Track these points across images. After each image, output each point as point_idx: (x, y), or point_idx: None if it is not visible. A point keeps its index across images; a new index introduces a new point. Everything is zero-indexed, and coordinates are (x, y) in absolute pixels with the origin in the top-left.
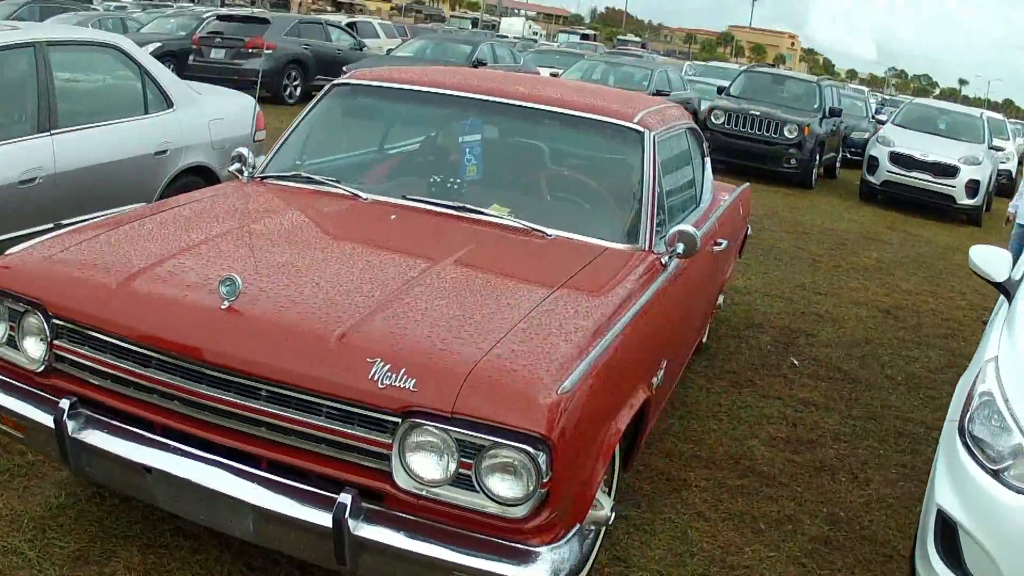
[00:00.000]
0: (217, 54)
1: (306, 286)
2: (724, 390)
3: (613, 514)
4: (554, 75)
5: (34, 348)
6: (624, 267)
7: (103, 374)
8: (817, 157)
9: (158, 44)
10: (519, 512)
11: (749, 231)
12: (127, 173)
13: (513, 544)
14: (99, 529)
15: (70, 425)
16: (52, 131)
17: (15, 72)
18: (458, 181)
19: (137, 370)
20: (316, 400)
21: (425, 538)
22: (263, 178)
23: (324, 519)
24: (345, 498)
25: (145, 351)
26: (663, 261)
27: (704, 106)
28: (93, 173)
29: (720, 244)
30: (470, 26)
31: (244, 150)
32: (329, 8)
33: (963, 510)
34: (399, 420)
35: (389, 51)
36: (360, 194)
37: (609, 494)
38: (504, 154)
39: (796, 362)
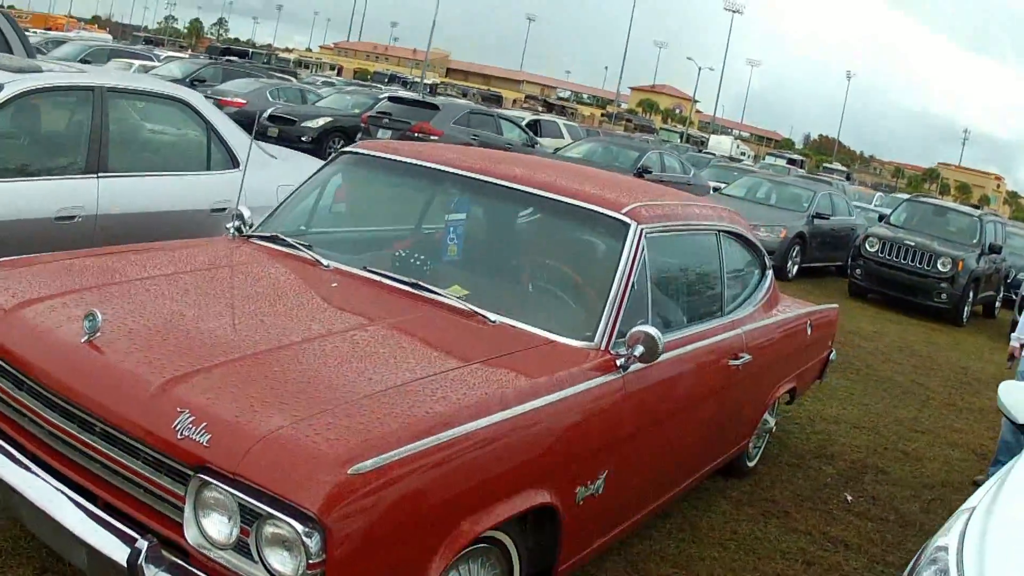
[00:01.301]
0: (383, 134)
1: (175, 333)
2: (749, 518)
3: None
4: (716, 189)
5: None
6: (557, 362)
7: None
8: (971, 294)
9: (328, 119)
10: None
11: (832, 355)
12: (178, 226)
13: None
14: (8, 545)
15: None
16: (100, 174)
17: (70, 112)
18: (421, 258)
19: (12, 392)
20: (133, 443)
21: None
22: (248, 237)
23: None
24: (142, 544)
25: (17, 374)
26: (618, 363)
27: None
28: (138, 220)
29: (740, 358)
30: (678, 140)
31: (244, 209)
32: (540, 108)
33: None
34: (191, 474)
35: (556, 150)
36: (322, 260)
37: None
38: (485, 235)
39: (850, 498)
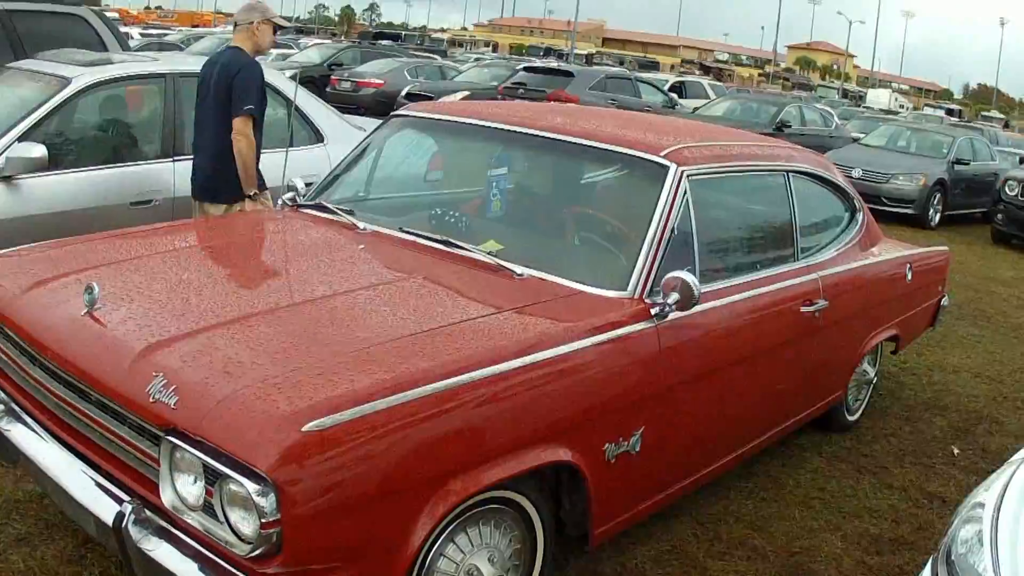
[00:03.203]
0: None
1: (175, 301)
2: (841, 475)
3: None
4: (855, 139)
5: None
6: (581, 311)
7: (14, 369)
8: None
9: (466, 93)
10: (241, 551)
11: (945, 301)
12: None
13: None
14: (56, 519)
15: None
16: (175, 157)
17: (144, 100)
18: (457, 215)
19: (28, 368)
20: (117, 409)
21: (194, 562)
22: (298, 207)
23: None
24: (126, 508)
25: (31, 350)
26: (652, 312)
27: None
28: None
29: (814, 304)
30: (836, 96)
31: (297, 180)
32: (697, 71)
33: None
34: (162, 436)
35: (695, 109)
36: (359, 224)
37: (532, 567)
38: (525, 189)
39: (956, 451)
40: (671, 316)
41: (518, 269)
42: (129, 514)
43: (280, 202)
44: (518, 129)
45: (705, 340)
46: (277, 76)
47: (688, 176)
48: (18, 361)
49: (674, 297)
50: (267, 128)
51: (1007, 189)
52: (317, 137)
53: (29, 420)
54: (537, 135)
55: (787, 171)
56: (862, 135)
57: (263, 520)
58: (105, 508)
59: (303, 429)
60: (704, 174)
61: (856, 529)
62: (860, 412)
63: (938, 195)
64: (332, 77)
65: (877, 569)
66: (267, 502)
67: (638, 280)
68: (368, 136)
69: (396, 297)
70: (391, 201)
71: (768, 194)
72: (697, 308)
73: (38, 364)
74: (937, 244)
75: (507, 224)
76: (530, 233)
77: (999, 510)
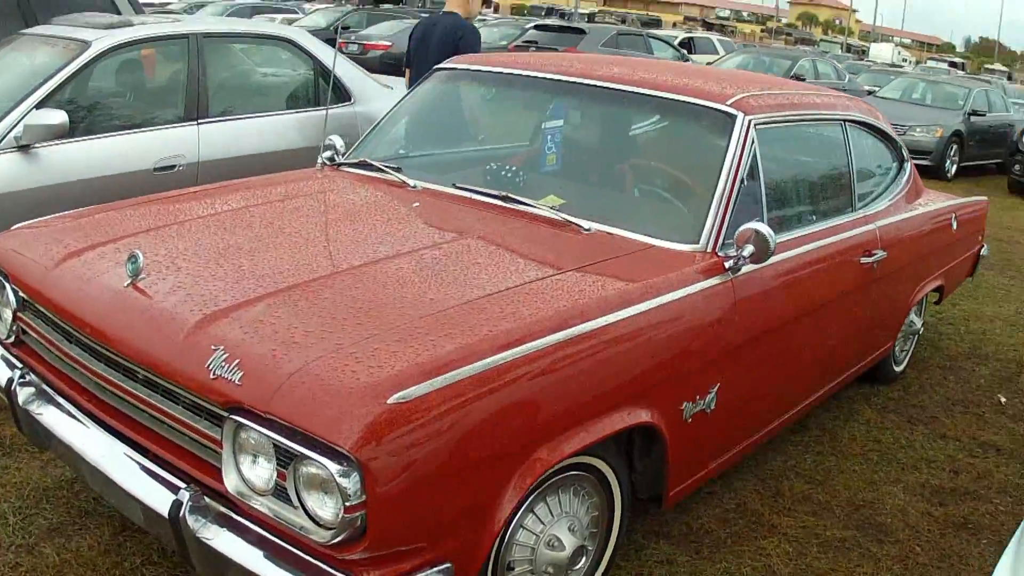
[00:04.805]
0: None
1: (226, 267)
2: (894, 426)
3: (585, 558)
4: (870, 92)
5: (6, 316)
6: (656, 267)
7: (47, 348)
8: None
9: None
10: (321, 537)
11: (984, 251)
12: (288, 165)
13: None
14: (89, 506)
15: (21, 394)
16: (200, 121)
17: (166, 62)
18: (515, 169)
19: (63, 346)
20: (171, 387)
21: (260, 550)
22: (339, 165)
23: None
24: (183, 495)
25: (66, 327)
26: (726, 265)
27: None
28: (245, 163)
29: (873, 255)
30: (839, 50)
31: (335, 138)
32: (699, 28)
33: None
34: (225, 415)
35: (709, 63)
36: (409, 181)
37: (609, 533)
38: (584, 141)
39: (1003, 399)
40: (744, 269)
41: (585, 224)
42: (187, 502)
43: (320, 161)
44: (574, 80)
45: (775, 293)
46: (297, 33)
47: (755, 125)
48: (52, 339)
49: (749, 249)
50: (293, 88)
51: None
52: (344, 96)
53: (64, 403)
54: (596, 85)
55: (844, 120)
56: (876, 88)
57: (347, 503)
58: (156, 496)
59: (388, 402)
60: (769, 123)
61: (917, 480)
62: (906, 363)
63: (955, 146)
64: (339, 40)
65: (943, 520)
66: (351, 483)
67: (710, 233)
68: (411, 90)
69: (463, 256)
70: (439, 158)
71: (827, 143)
72: (768, 261)
73: (75, 342)
74: (954, 195)
75: (565, 178)
76: (591, 187)
77: None
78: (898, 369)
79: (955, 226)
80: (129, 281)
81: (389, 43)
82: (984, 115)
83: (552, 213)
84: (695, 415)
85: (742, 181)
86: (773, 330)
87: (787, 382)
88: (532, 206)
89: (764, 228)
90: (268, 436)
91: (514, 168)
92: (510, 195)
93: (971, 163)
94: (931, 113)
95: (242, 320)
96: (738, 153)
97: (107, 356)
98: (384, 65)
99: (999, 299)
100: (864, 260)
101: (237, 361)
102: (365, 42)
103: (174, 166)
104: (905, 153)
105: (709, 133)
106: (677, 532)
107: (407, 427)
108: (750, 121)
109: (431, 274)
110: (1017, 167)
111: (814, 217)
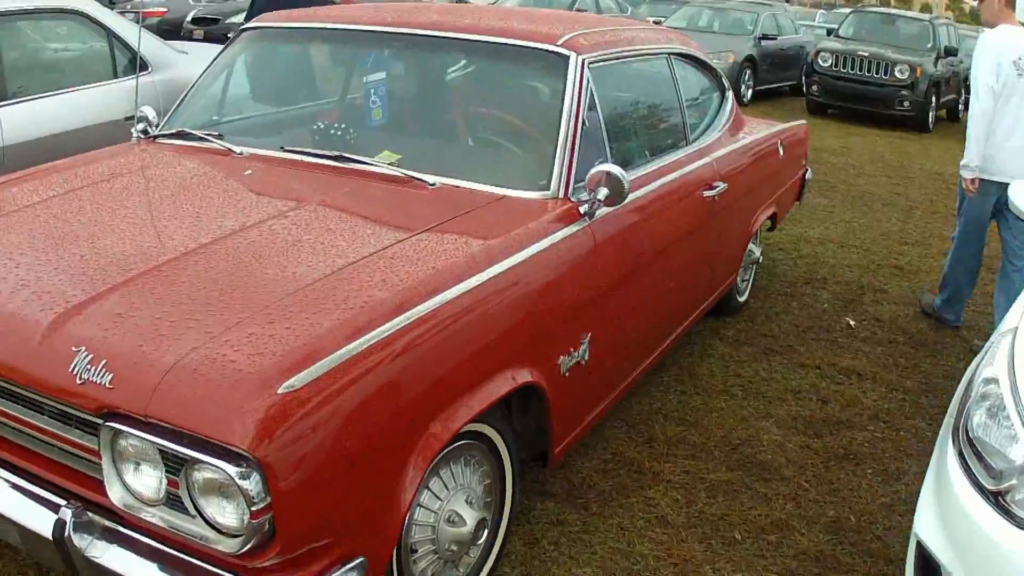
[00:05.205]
0: None
1: (68, 259)
2: (751, 358)
3: (485, 530)
4: (656, 23)
5: None
6: (513, 219)
7: None
8: (933, 99)
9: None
10: (228, 547)
11: (808, 174)
12: (95, 141)
13: None
14: None
15: None
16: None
17: None
18: (344, 127)
19: None
20: (33, 396)
21: (153, 562)
22: (155, 137)
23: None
24: (65, 513)
25: None
26: (582, 210)
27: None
28: (53, 143)
29: (714, 188)
30: None
31: (147, 110)
32: None
33: (948, 547)
34: (100, 423)
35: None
36: (234, 149)
37: (503, 501)
38: (412, 93)
39: (852, 323)
40: (598, 213)
41: (430, 179)
42: (70, 520)
43: (135, 135)
44: (393, 30)
45: (630, 234)
46: (86, 4)
47: (588, 64)
48: None
49: (604, 192)
50: (82, 61)
51: (820, 60)
52: (142, 66)
53: None
54: (416, 34)
55: (668, 53)
56: (661, 19)
57: (252, 508)
58: (35, 516)
59: (279, 391)
60: (601, 61)
61: (787, 413)
62: (747, 293)
63: (748, 71)
64: (115, 11)
65: (824, 452)
66: (253, 485)
67: (560, 178)
68: (218, 55)
69: (314, 224)
70: (259, 120)
71: (655, 78)
72: (623, 202)
73: None
74: (753, 118)
75: (397, 132)
76: (427, 141)
77: (1015, 382)
78: (741, 300)
79: (782, 152)
80: None
81: (164, 9)
82: (775, 39)
83: (392, 170)
84: (571, 368)
85: (583, 123)
86: (632, 272)
87: (650, 323)
88: (369, 164)
89: (616, 169)
90: (151, 441)
91: (343, 126)
92: (344, 154)
93: (765, 87)
94: (721, 40)
95: (99, 315)
96: (576, 94)
97: None
98: (163, 32)
99: (823, 221)
100: (707, 194)
101: (104, 362)
102: (141, 10)
103: None
104: (726, 83)
105: (544, 76)
106: (560, 489)
107: (300, 416)
108: (583, 60)
109: (286, 246)
110: (815, 87)
111: (654, 154)
